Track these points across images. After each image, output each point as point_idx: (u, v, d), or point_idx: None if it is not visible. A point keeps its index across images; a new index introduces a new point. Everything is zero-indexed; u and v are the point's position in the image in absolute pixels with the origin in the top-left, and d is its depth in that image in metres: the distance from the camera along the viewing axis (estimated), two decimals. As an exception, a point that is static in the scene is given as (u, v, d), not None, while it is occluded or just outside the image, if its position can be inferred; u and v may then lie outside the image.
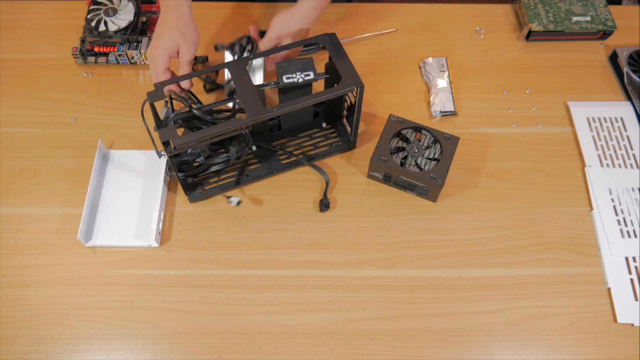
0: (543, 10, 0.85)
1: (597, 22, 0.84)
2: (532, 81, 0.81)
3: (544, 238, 0.68)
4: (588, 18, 0.84)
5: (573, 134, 0.77)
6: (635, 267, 0.66)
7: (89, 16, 0.80)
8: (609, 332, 0.62)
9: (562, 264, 0.67)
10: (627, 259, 0.66)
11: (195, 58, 0.75)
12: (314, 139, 0.75)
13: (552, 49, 0.85)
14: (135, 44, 0.80)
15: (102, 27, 0.79)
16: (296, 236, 0.68)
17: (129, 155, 0.73)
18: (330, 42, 0.66)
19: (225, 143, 0.70)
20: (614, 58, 0.83)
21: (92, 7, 0.81)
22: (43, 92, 0.79)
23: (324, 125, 0.76)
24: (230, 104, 0.66)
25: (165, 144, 0.60)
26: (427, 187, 0.68)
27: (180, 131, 0.64)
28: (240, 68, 0.64)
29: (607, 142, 0.75)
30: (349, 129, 0.72)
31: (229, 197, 0.69)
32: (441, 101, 0.78)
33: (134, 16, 0.80)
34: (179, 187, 0.71)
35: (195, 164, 0.69)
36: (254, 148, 0.73)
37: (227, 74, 0.75)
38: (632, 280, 0.65)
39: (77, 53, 0.80)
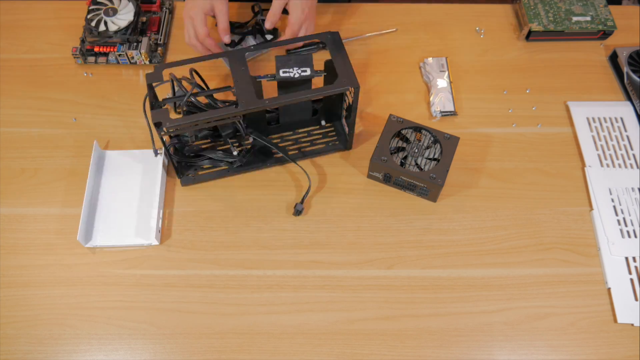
0: (543, 10, 0.85)
1: (597, 22, 0.84)
2: (532, 81, 0.81)
3: (544, 238, 0.68)
4: (588, 18, 0.84)
5: (573, 134, 0.77)
6: (635, 267, 0.66)
7: (89, 16, 0.80)
8: (609, 332, 0.62)
9: (562, 264, 0.67)
10: (627, 259, 0.66)
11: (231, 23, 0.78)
12: (311, 136, 0.75)
13: (552, 49, 0.85)
14: (135, 44, 0.80)
15: (102, 27, 0.79)
16: (296, 236, 0.68)
17: (125, 155, 0.73)
18: (332, 40, 0.66)
19: (223, 137, 0.70)
20: (614, 58, 0.83)
21: (92, 7, 0.81)
22: (43, 92, 0.79)
23: (323, 123, 0.76)
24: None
25: (157, 125, 0.61)
26: (427, 187, 0.68)
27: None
28: (239, 57, 0.65)
29: (607, 142, 0.75)
30: (347, 129, 0.72)
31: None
32: (441, 101, 0.78)
33: (134, 16, 0.80)
34: (178, 188, 0.71)
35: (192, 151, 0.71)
36: (250, 139, 0.74)
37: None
38: (632, 280, 0.65)
39: (77, 53, 0.80)
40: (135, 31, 0.81)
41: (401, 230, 0.69)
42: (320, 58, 0.71)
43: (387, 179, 0.71)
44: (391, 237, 0.68)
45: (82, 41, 0.81)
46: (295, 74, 0.64)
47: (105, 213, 0.69)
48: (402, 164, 0.68)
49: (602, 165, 0.73)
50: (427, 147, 0.70)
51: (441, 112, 0.77)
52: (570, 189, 0.72)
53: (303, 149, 0.74)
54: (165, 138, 0.67)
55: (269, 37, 0.82)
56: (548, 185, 0.72)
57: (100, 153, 0.73)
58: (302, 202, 0.69)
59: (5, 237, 0.67)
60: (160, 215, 0.68)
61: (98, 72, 0.81)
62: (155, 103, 0.64)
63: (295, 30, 0.75)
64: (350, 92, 0.66)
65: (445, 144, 0.69)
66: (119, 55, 0.80)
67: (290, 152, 0.74)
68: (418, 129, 0.71)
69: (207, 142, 0.74)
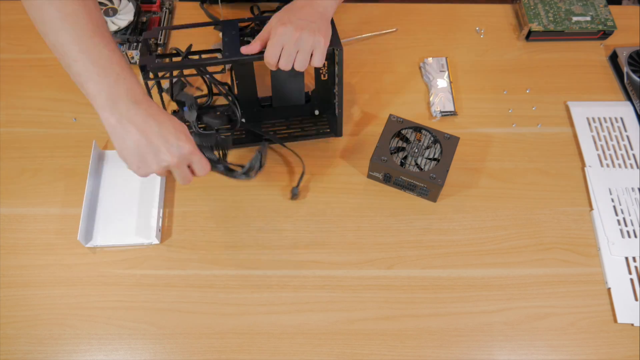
0: (543, 10, 0.85)
1: (597, 22, 0.84)
2: (532, 81, 0.81)
3: (544, 238, 0.68)
4: (588, 18, 0.84)
5: (573, 134, 0.77)
6: (635, 267, 0.66)
7: (89, 16, 0.80)
8: (609, 332, 0.62)
9: (562, 264, 0.67)
10: (627, 259, 0.66)
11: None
12: (303, 124, 0.76)
13: (552, 49, 0.85)
14: (135, 44, 0.80)
15: (102, 27, 0.79)
16: (296, 236, 0.68)
17: None
18: None
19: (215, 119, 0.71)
20: (614, 58, 0.83)
21: (92, 7, 0.81)
22: (43, 92, 0.79)
23: (317, 113, 0.76)
24: None
25: (142, 69, 0.62)
26: (427, 187, 0.68)
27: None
28: (232, 25, 0.66)
29: (607, 142, 0.75)
30: (337, 110, 0.72)
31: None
32: (441, 101, 0.78)
33: (134, 16, 0.80)
34: (178, 188, 0.71)
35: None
36: (242, 121, 0.74)
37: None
38: (632, 280, 0.65)
39: (77, 53, 0.80)
40: (135, 31, 0.81)
41: (401, 230, 0.69)
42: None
43: (387, 179, 0.71)
44: (391, 237, 0.68)
45: (82, 41, 0.81)
46: None
47: (105, 213, 0.69)
48: (402, 164, 0.68)
49: (602, 165, 0.73)
50: (427, 147, 0.70)
51: (441, 112, 0.77)
52: (570, 189, 0.72)
53: (294, 133, 0.75)
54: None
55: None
56: (548, 185, 0.72)
57: (100, 153, 0.73)
58: (297, 186, 0.70)
59: (5, 237, 0.67)
60: (161, 215, 0.68)
61: (98, 72, 0.81)
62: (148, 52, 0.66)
63: (272, 60, 0.61)
64: (336, 54, 0.65)
65: (445, 144, 0.69)
66: (119, 55, 0.80)
67: (280, 136, 0.75)
68: (418, 129, 0.71)
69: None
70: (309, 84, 0.77)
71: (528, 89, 0.81)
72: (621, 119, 0.77)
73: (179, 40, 0.84)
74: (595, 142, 0.75)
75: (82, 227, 0.66)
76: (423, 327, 0.63)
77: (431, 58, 0.82)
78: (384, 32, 0.86)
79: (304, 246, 0.67)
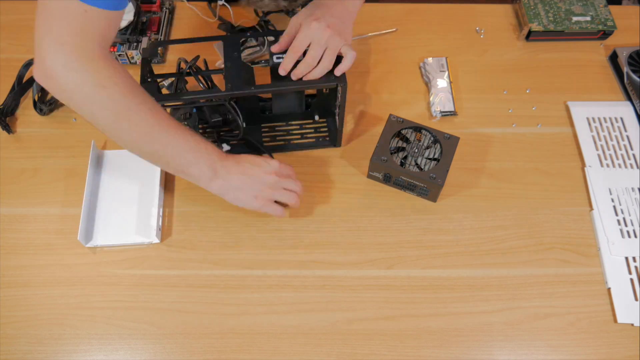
0: (543, 10, 0.85)
1: (597, 22, 0.84)
2: (532, 81, 0.81)
3: (544, 238, 0.68)
4: (588, 18, 0.84)
5: (573, 134, 0.77)
6: (635, 267, 0.66)
7: (89, 16, 0.80)
8: (609, 332, 0.62)
9: (562, 264, 0.67)
10: (627, 259, 0.66)
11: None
12: (303, 130, 0.76)
13: (552, 49, 0.85)
14: (135, 44, 0.80)
15: (102, 27, 0.79)
16: (296, 236, 0.68)
17: (124, 155, 0.73)
18: None
19: (210, 124, 0.71)
20: (614, 58, 0.83)
21: (92, 7, 0.81)
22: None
23: (317, 118, 0.76)
24: None
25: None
26: (427, 187, 0.68)
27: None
28: (233, 43, 0.66)
29: (607, 142, 0.75)
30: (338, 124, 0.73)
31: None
32: (441, 101, 0.78)
33: (134, 16, 0.80)
34: (178, 188, 0.71)
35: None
36: (242, 125, 0.74)
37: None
38: (632, 280, 0.65)
39: (77, 53, 0.80)
40: (135, 31, 0.81)
41: (401, 230, 0.69)
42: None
43: (387, 179, 0.71)
44: (391, 237, 0.68)
45: (82, 41, 0.81)
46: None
47: (105, 212, 0.69)
48: (402, 164, 0.68)
49: (602, 165, 0.73)
50: (427, 147, 0.70)
51: (441, 112, 0.77)
52: (570, 189, 0.72)
53: (292, 141, 0.75)
54: None
55: (270, 38, 0.82)
56: (548, 185, 0.72)
57: (99, 153, 0.73)
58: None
59: (5, 237, 0.67)
60: (160, 214, 0.68)
61: (98, 72, 0.81)
62: (149, 78, 0.65)
63: (296, 53, 0.62)
64: (339, 90, 0.66)
65: (445, 144, 0.69)
66: (119, 55, 0.80)
67: (278, 143, 0.75)
68: (418, 129, 0.71)
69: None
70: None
71: (528, 89, 0.81)
72: (621, 119, 0.77)
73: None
74: (595, 142, 0.75)
75: (82, 227, 0.66)
76: (423, 327, 0.63)
77: (431, 58, 0.82)
78: (384, 32, 0.86)
79: (304, 246, 0.67)
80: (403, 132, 0.71)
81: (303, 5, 0.83)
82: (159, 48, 0.80)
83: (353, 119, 0.78)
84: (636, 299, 0.64)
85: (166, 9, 0.85)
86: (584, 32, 0.84)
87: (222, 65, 0.65)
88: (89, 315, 0.63)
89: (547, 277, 0.66)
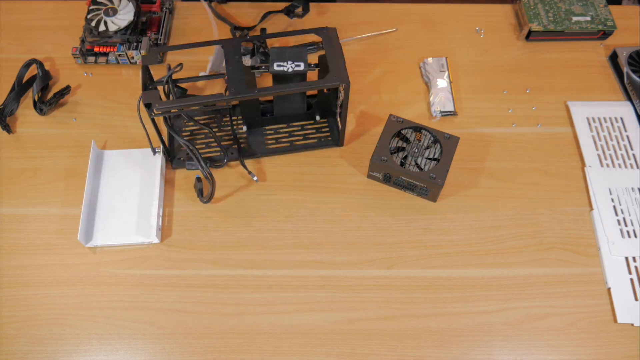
0: (543, 10, 0.85)
1: (597, 22, 0.84)
2: (532, 81, 0.81)
3: (544, 238, 0.68)
4: (588, 18, 0.84)
5: (573, 134, 0.77)
6: (635, 267, 0.66)
7: (89, 16, 0.80)
8: (609, 332, 0.62)
9: (562, 264, 0.67)
10: (627, 259, 0.66)
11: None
12: (304, 130, 0.76)
13: (552, 49, 0.85)
14: (135, 44, 0.80)
15: (102, 27, 0.79)
16: (296, 236, 0.68)
17: (124, 154, 0.73)
18: (328, 36, 0.67)
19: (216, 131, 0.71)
20: (614, 58, 0.83)
21: (92, 7, 0.81)
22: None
23: (318, 118, 0.76)
24: None
25: (148, 106, 0.62)
26: (427, 187, 0.68)
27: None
28: (234, 47, 0.66)
29: (607, 142, 0.75)
30: (340, 125, 0.73)
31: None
32: (441, 101, 0.78)
33: (134, 16, 0.80)
34: (178, 188, 0.71)
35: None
36: (244, 128, 0.75)
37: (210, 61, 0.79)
38: (632, 280, 0.65)
39: (77, 53, 0.80)
40: (135, 31, 0.81)
41: (401, 230, 0.69)
42: (317, 52, 0.71)
43: (387, 179, 0.71)
44: (391, 237, 0.68)
45: (82, 41, 0.81)
46: (289, 68, 0.65)
47: (105, 212, 0.69)
48: (402, 164, 0.68)
49: (602, 165, 0.73)
50: (427, 147, 0.70)
51: (441, 112, 0.77)
52: (570, 189, 0.72)
53: (295, 142, 0.75)
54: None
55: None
56: (548, 185, 0.72)
57: (99, 153, 0.73)
58: (208, 199, 0.68)
59: (5, 237, 0.67)
60: (160, 214, 0.68)
61: (98, 72, 0.81)
62: (150, 85, 0.65)
63: None
64: (341, 89, 0.66)
65: (445, 144, 0.69)
66: (119, 55, 0.80)
67: (281, 145, 0.75)
68: (418, 129, 0.71)
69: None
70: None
71: (528, 89, 0.81)
72: (621, 119, 0.77)
73: (179, 41, 0.84)
74: (595, 142, 0.75)
75: (82, 226, 0.66)
76: (423, 327, 0.63)
77: (431, 58, 0.82)
78: (384, 32, 0.86)
79: (304, 246, 0.67)
80: (403, 132, 0.71)
81: (303, 4, 0.83)
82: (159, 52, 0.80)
83: (353, 119, 0.78)
84: (636, 299, 0.64)
85: (166, 9, 0.85)
86: (584, 32, 0.84)
87: (208, 73, 0.65)
88: (89, 315, 0.63)
89: (547, 277, 0.66)
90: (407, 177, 0.68)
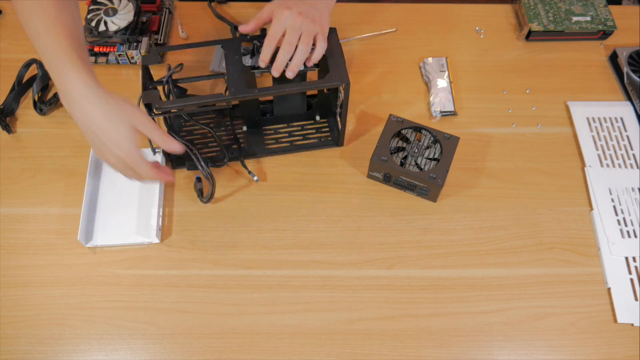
0: (543, 10, 0.85)
1: (597, 22, 0.84)
2: (532, 81, 0.81)
3: (544, 238, 0.68)
4: (588, 18, 0.84)
5: (573, 134, 0.77)
6: (635, 267, 0.66)
7: (89, 16, 0.80)
8: (609, 332, 0.62)
9: (562, 264, 0.67)
10: (627, 259, 0.66)
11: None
12: (305, 130, 0.76)
13: (552, 49, 0.85)
14: (135, 44, 0.80)
15: (102, 27, 0.79)
16: (296, 236, 0.68)
17: None
18: (328, 36, 0.67)
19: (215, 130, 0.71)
20: (614, 58, 0.83)
21: (92, 7, 0.81)
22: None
23: (318, 118, 0.76)
24: None
25: (148, 106, 0.62)
26: (427, 187, 0.68)
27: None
28: (234, 47, 0.66)
29: (607, 142, 0.75)
30: (340, 125, 0.73)
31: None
32: (441, 101, 0.78)
33: (134, 16, 0.80)
34: (178, 188, 0.71)
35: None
36: (244, 128, 0.75)
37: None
38: (632, 280, 0.65)
39: (77, 53, 0.80)
40: (135, 31, 0.81)
41: (401, 230, 0.69)
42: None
43: (387, 179, 0.71)
44: (391, 237, 0.68)
45: (82, 41, 0.81)
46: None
47: (105, 212, 0.69)
48: (402, 164, 0.68)
49: (602, 165, 0.73)
50: (427, 147, 0.70)
51: (441, 112, 0.77)
52: (570, 189, 0.72)
53: (295, 142, 0.75)
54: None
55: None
56: (548, 185, 0.72)
57: (100, 153, 0.73)
58: (208, 199, 0.68)
59: (5, 237, 0.67)
60: (160, 214, 0.68)
61: (98, 72, 0.80)
62: (150, 85, 0.65)
63: (272, 42, 0.62)
64: (341, 89, 0.66)
65: (445, 144, 0.69)
66: (119, 55, 0.80)
67: (281, 145, 0.75)
68: (418, 129, 0.71)
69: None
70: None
71: (528, 89, 0.81)
72: (621, 119, 0.77)
73: (179, 41, 0.84)
74: (595, 142, 0.75)
75: (82, 226, 0.66)
76: (423, 327, 0.63)
77: (431, 58, 0.82)
78: (384, 32, 0.86)
79: (304, 246, 0.67)
80: (403, 132, 0.71)
81: None
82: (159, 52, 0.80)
83: (353, 119, 0.78)
84: (636, 299, 0.64)
85: (166, 9, 0.85)
86: (584, 32, 0.84)
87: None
88: (89, 315, 0.63)
89: (547, 277, 0.66)
90: (407, 177, 0.68)
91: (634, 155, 0.74)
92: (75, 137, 0.75)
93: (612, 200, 0.70)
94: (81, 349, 0.61)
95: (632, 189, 0.71)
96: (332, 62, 0.65)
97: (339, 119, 0.72)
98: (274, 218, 0.69)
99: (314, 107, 0.75)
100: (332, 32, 0.67)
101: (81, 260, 0.66)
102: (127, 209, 0.69)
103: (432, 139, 0.70)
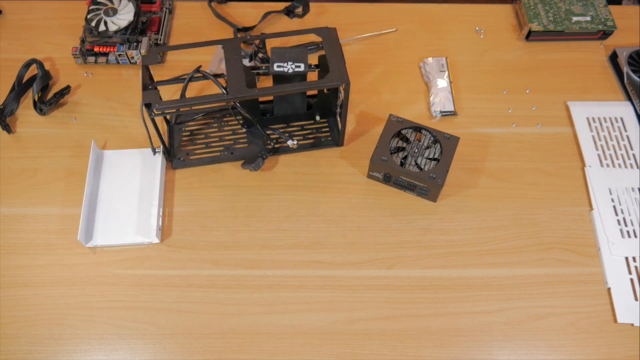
0: (543, 10, 0.85)
1: (597, 22, 0.84)
2: (532, 81, 0.81)
3: (544, 238, 0.68)
4: (588, 18, 0.84)
5: (573, 134, 0.77)
6: (635, 267, 0.66)
7: (89, 16, 0.80)
8: (609, 332, 0.62)
9: (562, 264, 0.67)
10: (627, 259, 0.66)
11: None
12: (304, 130, 0.76)
13: (552, 49, 0.85)
14: (135, 44, 0.80)
15: (102, 27, 0.79)
16: (296, 236, 0.68)
17: (124, 154, 0.73)
18: (328, 36, 0.67)
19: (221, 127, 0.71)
20: (614, 58, 0.83)
21: (92, 7, 0.81)
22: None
23: (318, 118, 0.76)
24: None
25: (148, 106, 0.62)
26: (427, 187, 0.68)
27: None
28: (234, 46, 0.66)
29: (607, 142, 0.75)
30: (340, 125, 0.73)
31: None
32: (441, 101, 0.78)
33: (134, 16, 0.80)
34: (178, 188, 0.71)
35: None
36: (244, 128, 0.75)
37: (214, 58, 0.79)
38: (632, 280, 0.65)
39: (77, 53, 0.80)
40: (135, 31, 0.81)
41: (401, 230, 0.69)
42: (317, 53, 0.71)
43: (387, 179, 0.71)
44: (391, 237, 0.68)
45: (82, 41, 0.81)
46: (289, 69, 0.65)
47: (105, 212, 0.69)
48: (402, 164, 0.68)
49: (602, 165, 0.73)
50: (427, 147, 0.70)
51: (441, 112, 0.77)
52: (570, 189, 0.72)
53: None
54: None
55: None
56: (548, 185, 0.72)
57: (99, 153, 0.73)
58: (263, 158, 0.70)
59: (5, 237, 0.67)
60: (160, 214, 0.68)
61: (98, 72, 0.81)
62: (150, 85, 0.65)
63: None
64: (341, 89, 0.66)
65: (445, 144, 0.69)
66: (119, 55, 0.80)
67: (281, 146, 0.75)
68: (418, 129, 0.71)
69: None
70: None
71: (528, 89, 0.81)
72: (621, 119, 0.77)
73: (179, 41, 0.84)
74: (595, 142, 0.75)
75: (82, 227, 0.66)
76: (423, 327, 0.63)
77: (431, 58, 0.82)
78: (384, 32, 0.86)
79: (304, 246, 0.67)
80: (403, 132, 0.71)
81: (303, 4, 0.83)
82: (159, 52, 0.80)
83: (353, 119, 0.78)
84: (636, 299, 0.64)
85: (166, 9, 0.85)
86: (584, 32, 0.84)
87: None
88: (89, 315, 0.63)
89: (547, 277, 0.66)
90: (407, 177, 0.68)
91: (634, 155, 0.74)
92: (75, 137, 0.75)
93: (612, 200, 0.70)
94: (81, 349, 0.61)
95: (632, 189, 0.71)
96: (332, 62, 0.65)
97: (339, 119, 0.72)
98: (274, 218, 0.69)
99: (314, 107, 0.75)
100: (332, 32, 0.67)
101: (81, 260, 0.66)
102: (127, 209, 0.69)
103: (432, 139, 0.70)
